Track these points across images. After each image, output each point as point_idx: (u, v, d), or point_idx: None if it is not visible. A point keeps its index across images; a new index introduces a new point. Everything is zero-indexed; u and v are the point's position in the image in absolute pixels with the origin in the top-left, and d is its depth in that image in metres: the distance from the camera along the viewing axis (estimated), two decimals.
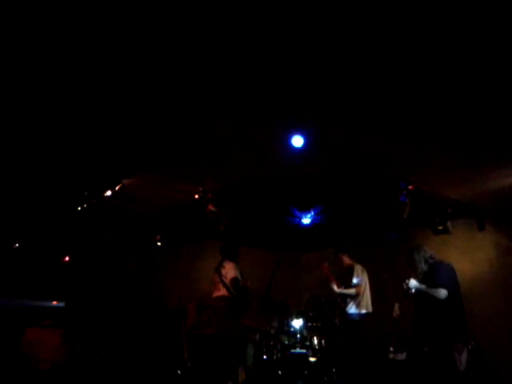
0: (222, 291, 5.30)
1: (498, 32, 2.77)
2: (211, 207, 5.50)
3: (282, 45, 2.93)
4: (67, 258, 6.24)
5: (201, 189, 5.40)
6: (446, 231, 6.01)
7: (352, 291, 5.82)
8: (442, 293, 4.11)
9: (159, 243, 7.01)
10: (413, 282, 4.33)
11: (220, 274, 5.36)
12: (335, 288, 6.01)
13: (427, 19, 2.69)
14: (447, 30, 2.77)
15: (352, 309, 5.83)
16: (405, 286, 4.35)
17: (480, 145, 4.30)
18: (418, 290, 4.30)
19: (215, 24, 2.75)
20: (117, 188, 5.08)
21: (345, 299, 5.96)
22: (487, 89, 3.41)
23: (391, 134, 4.21)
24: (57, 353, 5.33)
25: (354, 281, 5.86)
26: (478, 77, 3.26)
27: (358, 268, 5.96)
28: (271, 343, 5.90)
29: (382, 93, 3.52)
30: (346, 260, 6.15)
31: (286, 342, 6.04)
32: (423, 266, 4.41)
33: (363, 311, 5.79)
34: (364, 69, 3.21)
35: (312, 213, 6.48)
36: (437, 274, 4.28)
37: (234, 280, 5.30)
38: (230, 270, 5.35)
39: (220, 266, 5.44)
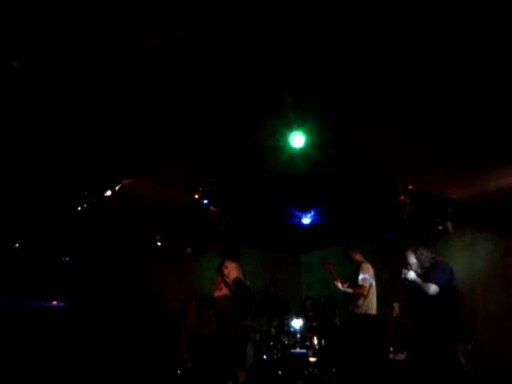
0: (225, 291, 5.27)
1: (498, 32, 2.77)
2: (211, 207, 5.49)
3: (281, 44, 2.93)
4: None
5: (201, 189, 5.40)
6: (446, 231, 5.99)
7: (356, 290, 5.65)
8: (432, 288, 4.09)
9: (159, 243, 7.00)
10: (411, 274, 4.31)
11: (222, 274, 5.34)
12: (340, 286, 5.89)
13: (429, 19, 2.69)
14: (448, 29, 2.78)
15: (355, 309, 5.67)
16: (402, 275, 4.35)
17: (480, 145, 4.30)
18: (412, 282, 4.28)
19: (213, 24, 2.75)
20: (117, 188, 5.08)
21: (348, 298, 5.81)
22: (487, 88, 3.42)
23: (391, 134, 4.21)
24: None
25: (360, 279, 5.65)
26: (478, 76, 3.26)
27: (365, 266, 5.78)
28: (271, 343, 5.89)
29: (383, 92, 3.53)
30: (357, 257, 5.95)
31: (286, 342, 6.04)
32: (418, 269, 4.37)
33: (367, 312, 5.62)
34: (364, 68, 3.21)
35: (312, 213, 6.47)
36: (433, 271, 4.27)
37: (237, 280, 5.27)
38: (232, 270, 5.32)
39: (222, 265, 5.41)
